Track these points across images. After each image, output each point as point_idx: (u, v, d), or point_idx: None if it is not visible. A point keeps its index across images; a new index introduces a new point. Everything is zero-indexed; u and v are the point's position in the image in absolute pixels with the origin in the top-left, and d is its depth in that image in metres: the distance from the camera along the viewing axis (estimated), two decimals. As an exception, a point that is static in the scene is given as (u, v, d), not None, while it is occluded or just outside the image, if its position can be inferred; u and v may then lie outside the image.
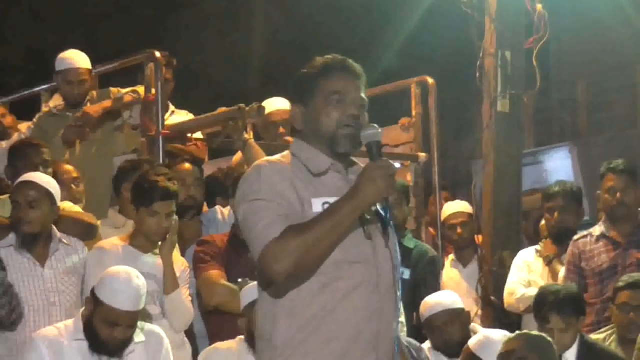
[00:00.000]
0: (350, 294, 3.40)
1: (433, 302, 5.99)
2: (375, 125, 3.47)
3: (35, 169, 5.99)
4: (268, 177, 3.44)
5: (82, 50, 7.67)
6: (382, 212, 3.41)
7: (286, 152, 3.60)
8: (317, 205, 3.41)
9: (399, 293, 3.58)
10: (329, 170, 3.51)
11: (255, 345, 3.56)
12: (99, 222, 6.14)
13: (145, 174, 5.79)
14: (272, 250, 3.33)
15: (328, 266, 3.38)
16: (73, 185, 6.57)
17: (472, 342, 5.50)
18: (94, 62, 7.69)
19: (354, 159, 3.60)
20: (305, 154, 3.53)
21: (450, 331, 5.85)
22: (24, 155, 6.30)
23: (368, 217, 3.42)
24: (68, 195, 6.34)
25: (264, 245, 3.35)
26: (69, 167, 6.68)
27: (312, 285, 3.39)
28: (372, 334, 3.41)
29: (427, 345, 6.00)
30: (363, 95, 3.56)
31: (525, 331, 5.32)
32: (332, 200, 3.39)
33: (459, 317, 5.92)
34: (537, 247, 6.88)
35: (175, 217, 5.64)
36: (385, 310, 3.46)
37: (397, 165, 3.52)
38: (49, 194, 5.51)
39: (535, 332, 5.24)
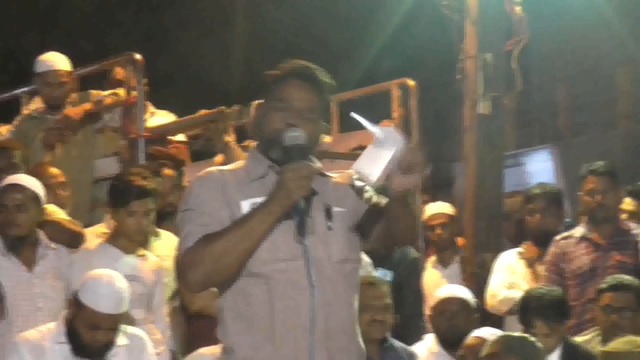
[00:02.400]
0: (288, 292, 3.37)
1: (451, 289, 6.15)
2: (299, 129, 3.40)
3: (5, 173, 5.95)
4: (197, 186, 3.48)
5: (62, 52, 7.64)
6: (295, 214, 3.34)
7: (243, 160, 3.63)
8: (246, 207, 3.40)
9: (353, 286, 3.53)
10: (268, 173, 3.47)
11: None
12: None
13: (119, 174, 5.79)
14: (185, 260, 3.37)
15: (259, 266, 3.36)
16: (60, 190, 6.53)
17: (480, 332, 5.51)
18: (74, 64, 7.66)
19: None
20: (251, 160, 3.54)
21: (458, 320, 5.90)
22: None
23: (298, 216, 3.35)
24: (54, 200, 6.32)
25: (180, 254, 3.41)
26: (55, 171, 6.63)
27: (249, 286, 3.38)
28: (320, 330, 3.37)
29: (430, 340, 6.00)
30: (312, 105, 3.50)
31: (506, 333, 5.33)
32: (260, 199, 3.38)
33: (469, 311, 5.99)
34: (519, 249, 6.90)
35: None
36: (334, 306, 3.41)
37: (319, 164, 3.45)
38: (35, 197, 5.51)
39: (517, 334, 5.24)
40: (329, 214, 3.44)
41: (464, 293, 6.12)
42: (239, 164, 3.59)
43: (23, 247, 5.50)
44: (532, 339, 5.12)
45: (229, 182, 3.46)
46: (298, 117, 3.46)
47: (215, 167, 3.59)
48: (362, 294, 5.46)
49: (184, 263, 3.38)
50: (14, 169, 6.21)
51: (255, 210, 3.34)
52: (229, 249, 3.31)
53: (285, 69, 3.55)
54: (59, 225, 5.80)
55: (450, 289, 6.19)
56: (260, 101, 3.61)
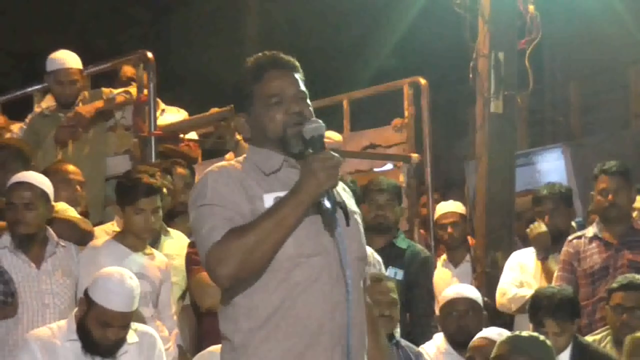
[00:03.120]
0: (308, 288, 3.35)
1: (460, 289, 6.14)
2: (318, 120, 3.41)
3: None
4: (214, 181, 3.42)
5: (75, 51, 7.66)
6: (326, 204, 3.31)
7: (241, 157, 3.56)
8: (269, 201, 3.37)
9: (362, 285, 3.54)
10: (283, 167, 3.46)
11: (221, 347, 3.52)
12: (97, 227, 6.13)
13: (127, 172, 5.78)
14: (214, 255, 3.29)
15: (282, 261, 3.33)
16: (78, 187, 6.55)
17: (486, 333, 5.50)
18: (86, 62, 7.68)
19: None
20: (258, 156, 3.49)
21: (467, 319, 5.89)
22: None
23: (327, 207, 3.33)
24: (71, 196, 6.32)
25: (207, 249, 3.32)
26: (75, 169, 6.64)
27: (268, 282, 3.34)
28: (337, 327, 3.35)
29: (439, 339, 6.00)
30: (301, 86, 3.51)
31: (516, 333, 5.30)
32: (282, 193, 3.35)
33: (478, 312, 5.99)
34: (532, 248, 6.88)
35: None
36: (351, 302, 3.38)
37: (339, 157, 3.42)
38: (44, 194, 5.51)
39: (526, 333, 5.21)
40: (345, 210, 3.41)
41: (472, 292, 6.11)
42: (241, 160, 3.54)
43: (32, 245, 5.50)
44: (542, 337, 5.10)
45: (245, 175, 3.44)
46: (296, 103, 3.46)
47: (224, 162, 3.56)
48: (370, 289, 5.49)
49: (213, 258, 3.29)
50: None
51: (285, 201, 3.30)
52: (261, 241, 3.26)
53: (259, 64, 3.51)
54: (68, 223, 5.80)
55: (458, 289, 6.18)
56: (237, 108, 3.56)
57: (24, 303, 5.40)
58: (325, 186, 3.29)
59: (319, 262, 3.37)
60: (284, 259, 3.34)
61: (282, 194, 3.35)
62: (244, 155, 3.56)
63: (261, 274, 3.34)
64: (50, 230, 5.59)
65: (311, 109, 3.51)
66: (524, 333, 5.17)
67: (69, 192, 6.40)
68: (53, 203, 5.65)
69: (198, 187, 3.47)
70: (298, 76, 3.53)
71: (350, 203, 3.55)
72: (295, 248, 3.34)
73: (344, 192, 3.58)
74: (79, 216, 6.07)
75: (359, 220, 3.56)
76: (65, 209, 6.00)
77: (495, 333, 5.43)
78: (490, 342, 5.27)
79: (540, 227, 6.66)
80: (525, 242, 7.29)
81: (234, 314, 3.40)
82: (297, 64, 3.55)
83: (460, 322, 5.90)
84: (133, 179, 5.60)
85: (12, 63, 16.81)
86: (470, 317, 5.92)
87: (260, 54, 3.57)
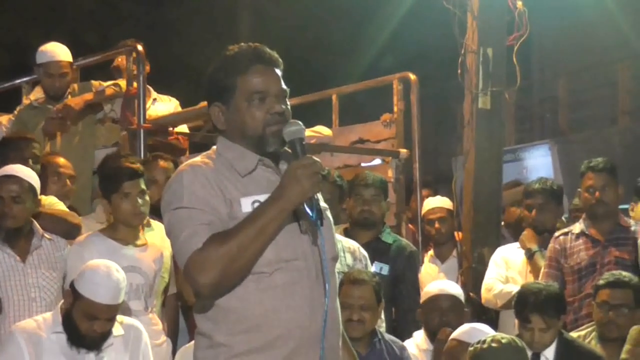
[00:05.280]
0: (289, 292, 3.32)
1: (443, 285, 6.08)
2: (298, 122, 3.35)
3: (25, 163, 5.96)
4: (190, 183, 3.32)
5: (64, 42, 7.64)
6: (308, 211, 3.27)
7: (210, 151, 3.47)
8: (247, 205, 3.31)
9: (336, 286, 3.53)
10: (258, 167, 3.39)
11: (194, 341, 3.47)
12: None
13: (105, 162, 5.74)
14: (196, 263, 3.21)
15: (262, 266, 3.29)
16: (68, 181, 6.54)
17: (457, 333, 5.50)
18: (76, 54, 7.67)
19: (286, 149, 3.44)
20: (232, 153, 3.40)
21: (450, 316, 5.87)
22: (16, 148, 6.28)
23: (310, 215, 3.29)
24: (61, 190, 6.32)
25: (186, 256, 3.25)
26: (66, 162, 6.63)
27: (248, 287, 3.30)
28: (318, 329, 3.32)
29: (419, 337, 6.01)
30: (282, 84, 3.41)
31: (497, 336, 5.20)
32: (262, 197, 3.29)
33: (460, 309, 5.97)
34: (518, 244, 6.91)
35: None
36: (330, 305, 3.36)
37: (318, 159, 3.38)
38: (31, 188, 5.50)
39: (505, 340, 5.12)
40: (320, 211, 3.33)
41: (455, 289, 6.09)
42: (212, 155, 3.44)
43: (17, 239, 5.50)
44: (518, 343, 5.06)
45: (220, 176, 3.36)
46: (279, 101, 3.39)
47: (195, 160, 3.44)
48: (345, 292, 5.47)
49: (194, 265, 3.21)
50: (36, 160, 6.23)
51: (267, 208, 3.24)
52: (244, 249, 3.21)
53: (245, 55, 3.41)
54: (53, 217, 5.79)
55: (441, 285, 6.12)
56: (213, 100, 3.45)
57: (9, 297, 5.40)
58: (310, 194, 3.24)
59: (298, 267, 3.34)
60: (264, 264, 3.30)
61: (259, 197, 3.30)
62: (214, 148, 3.47)
63: (242, 280, 3.29)
64: (36, 224, 5.58)
65: (289, 107, 3.43)
66: (495, 342, 5.07)
67: (59, 186, 6.41)
68: (40, 197, 5.64)
69: (173, 188, 3.37)
70: (280, 73, 3.44)
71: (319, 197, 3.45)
72: (275, 254, 3.30)
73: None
74: (67, 210, 6.06)
75: (329, 215, 3.51)
76: (54, 203, 6.00)
77: (472, 333, 5.40)
78: (460, 344, 5.30)
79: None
80: (514, 230, 7.31)
81: (216, 314, 3.35)
82: (280, 59, 3.47)
83: (443, 319, 5.89)
84: (113, 166, 5.58)
85: (1, 54, 16.77)
86: (453, 314, 5.91)
87: (244, 44, 3.47)
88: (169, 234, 3.37)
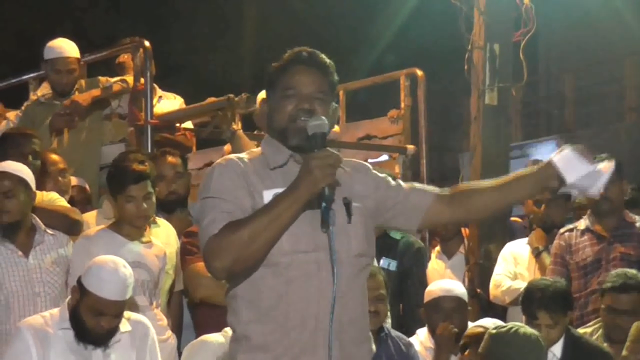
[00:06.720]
0: (305, 283, 3.38)
1: (446, 285, 6.05)
2: (322, 117, 3.42)
3: (25, 159, 5.97)
4: (219, 174, 3.46)
5: (71, 38, 7.65)
6: (322, 203, 3.33)
7: (258, 148, 3.61)
8: (269, 197, 3.39)
9: (365, 279, 3.56)
10: (289, 162, 3.49)
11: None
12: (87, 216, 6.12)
13: (115, 161, 5.76)
14: (210, 247, 3.34)
15: (278, 257, 3.36)
16: (60, 177, 6.55)
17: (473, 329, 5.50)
18: (82, 50, 7.67)
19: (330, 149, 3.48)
20: (269, 148, 3.53)
21: (454, 317, 5.87)
22: (15, 144, 6.28)
23: (322, 205, 3.34)
24: (54, 187, 6.33)
25: (204, 241, 3.38)
26: (56, 158, 6.64)
27: (266, 276, 3.38)
28: (335, 322, 3.36)
29: (422, 335, 6.01)
30: (322, 88, 3.53)
31: (511, 327, 5.22)
32: (282, 190, 3.37)
33: (464, 309, 5.96)
34: (526, 239, 6.91)
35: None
36: (348, 298, 3.43)
37: (338, 153, 3.42)
38: (22, 181, 5.48)
39: (523, 332, 5.13)
40: (348, 207, 3.43)
41: (459, 289, 6.05)
42: (255, 152, 3.59)
43: (18, 233, 5.49)
44: (537, 337, 5.08)
45: (250, 170, 3.46)
46: (308, 101, 3.48)
47: (233, 155, 3.58)
48: None
49: (209, 250, 3.34)
50: (35, 156, 6.23)
51: (281, 197, 3.33)
52: (255, 236, 3.29)
53: (287, 58, 3.56)
54: (54, 212, 5.79)
55: (445, 285, 6.07)
56: (266, 94, 3.62)
57: (14, 292, 5.40)
58: (321, 184, 3.29)
59: (314, 259, 3.39)
60: (280, 254, 3.36)
61: (281, 190, 3.36)
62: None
63: (257, 267, 3.37)
64: (37, 219, 5.58)
65: (325, 111, 3.50)
66: (519, 329, 5.10)
67: (50, 184, 6.40)
68: (42, 192, 5.63)
69: (205, 179, 3.51)
70: (325, 78, 3.55)
71: (361, 189, 3.55)
72: (291, 244, 3.37)
73: (354, 184, 3.56)
74: (68, 205, 6.07)
75: (365, 213, 3.54)
76: (55, 199, 5.99)
77: (491, 322, 5.44)
78: (486, 331, 5.28)
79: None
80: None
81: (236, 305, 3.45)
82: (330, 67, 3.58)
83: (447, 320, 5.87)
84: (121, 167, 5.59)
85: (9, 50, 16.79)
86: (457, 316, 5.90)
87: (301, 48, 3.62)
88: (196, 221, 3.57)
